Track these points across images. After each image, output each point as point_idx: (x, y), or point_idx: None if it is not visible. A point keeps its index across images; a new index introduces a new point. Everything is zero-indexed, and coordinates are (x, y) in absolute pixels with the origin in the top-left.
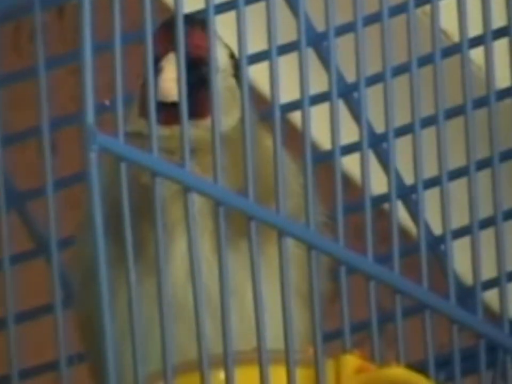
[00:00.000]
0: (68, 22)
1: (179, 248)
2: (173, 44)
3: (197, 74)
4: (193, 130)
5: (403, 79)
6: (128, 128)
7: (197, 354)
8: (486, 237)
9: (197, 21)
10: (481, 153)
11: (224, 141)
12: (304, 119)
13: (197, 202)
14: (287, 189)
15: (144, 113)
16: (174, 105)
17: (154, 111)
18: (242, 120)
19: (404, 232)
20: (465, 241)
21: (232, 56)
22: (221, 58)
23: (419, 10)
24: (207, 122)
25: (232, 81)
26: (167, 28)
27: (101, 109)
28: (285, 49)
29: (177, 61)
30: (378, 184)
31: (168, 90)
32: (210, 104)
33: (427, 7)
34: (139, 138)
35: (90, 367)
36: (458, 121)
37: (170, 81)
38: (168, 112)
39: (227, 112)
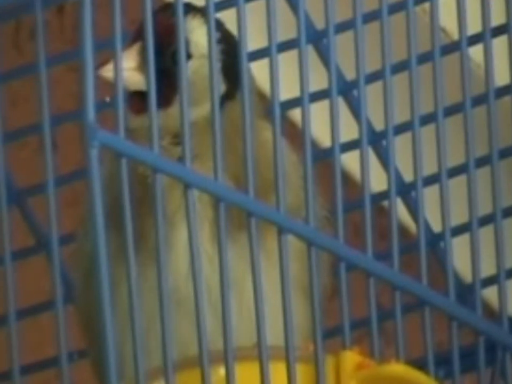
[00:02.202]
0: (68, 20)
1: (180, 239)
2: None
3: (162, 61)
4: (164, 119)
5: (402, 76)
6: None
7: (197, 349)
8: (485, 234)
9: (171, 6)
10: (480, 150)
11: (198, 129)
12: (304, 116)
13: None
14: (287, 181)
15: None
16: (139, 94)
17: (155, 109)
18: (242, 117)
19: (403, 229)
20: (464, 238)
21: (223, 40)
22: (202, 43)
23: (418, 8)
24: (172, 110)
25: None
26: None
27: (101, 106)
28: (284, 46)
29: (142, 48)
30: (377, 181)
31: (126, 79)
32: (173, 93)
33: (426, 5)
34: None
35: (92, 362)
36: (457, 119)
37: (127, 70)
38: (134, 100)
39: (202, 100)
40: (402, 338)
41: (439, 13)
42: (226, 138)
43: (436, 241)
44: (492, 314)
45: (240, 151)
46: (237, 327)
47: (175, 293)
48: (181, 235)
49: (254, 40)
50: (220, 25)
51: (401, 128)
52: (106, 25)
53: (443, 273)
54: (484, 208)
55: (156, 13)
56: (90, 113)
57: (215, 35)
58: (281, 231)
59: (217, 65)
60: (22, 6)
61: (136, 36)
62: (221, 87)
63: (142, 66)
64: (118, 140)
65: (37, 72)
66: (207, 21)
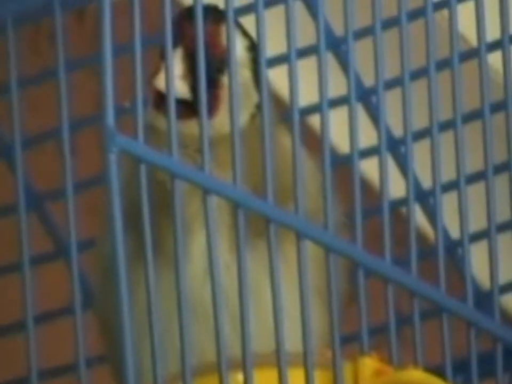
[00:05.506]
0: (88, 25)
1: (197, 246)
2: (181, 37)
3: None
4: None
5: (421, 83)
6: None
7: (215, 354)
8: (504, 240)
9: (211, 13)
10: (499, 157)
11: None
12: (323, 122)
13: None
14: (305, 188)
15: (157, 106)
16: (180, 102)
17: (174, 114)
18: (261, 124)
19: (421, 236)
20: (482, 244)
21: (251, 48)
22: (238, 52)
23: (437, 15)
24: (213, 122)
25: (246, 75)
26: (182, 18)
27: (120, 111)
28: (304, 52)
29: (184, 55)
30: (396, 187)
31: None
32: (217, 103)
33: (445, 12)
34: (151, 131)
35: (111, 367)
36: (476, 125)
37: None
38: (178, 108)
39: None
40: (420, 344)
41: (458, 20)
42: (254, 149)
43: (454, 248)
44: (509, 320)
45: (259, 157)
46: (255, 333)
47: (190, 299)
48: (198, 241)
49: (273, 46)
50: (248, 33)
51: (419, 135)
52: (126, 30)
53: (461, 279)
54: (502, 214)
55: (193, 17)
56: (110, 118)
57: (244, 43)
58: (300, 237)
59: (249, 74)
60: (42, 10)
61: (177, 38)
62: (254, 96)
63: (186, 74)
64: (137, 145)
65: (56, 77)
66: (226, 26)
